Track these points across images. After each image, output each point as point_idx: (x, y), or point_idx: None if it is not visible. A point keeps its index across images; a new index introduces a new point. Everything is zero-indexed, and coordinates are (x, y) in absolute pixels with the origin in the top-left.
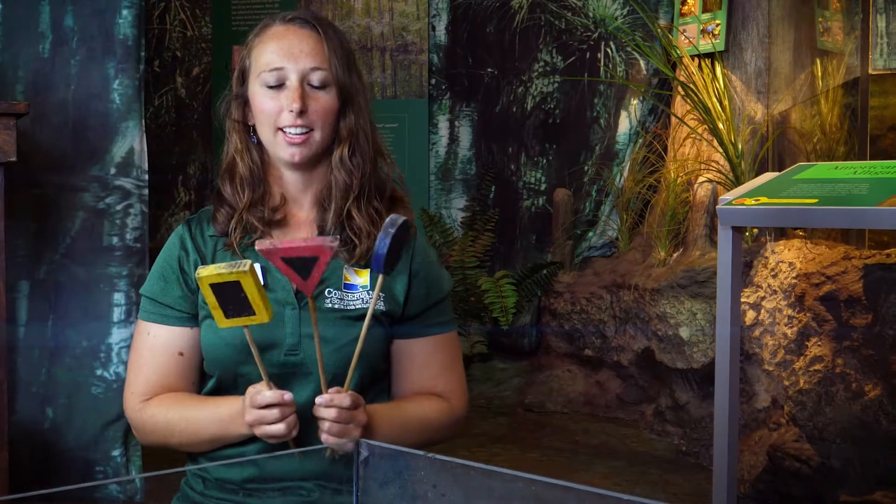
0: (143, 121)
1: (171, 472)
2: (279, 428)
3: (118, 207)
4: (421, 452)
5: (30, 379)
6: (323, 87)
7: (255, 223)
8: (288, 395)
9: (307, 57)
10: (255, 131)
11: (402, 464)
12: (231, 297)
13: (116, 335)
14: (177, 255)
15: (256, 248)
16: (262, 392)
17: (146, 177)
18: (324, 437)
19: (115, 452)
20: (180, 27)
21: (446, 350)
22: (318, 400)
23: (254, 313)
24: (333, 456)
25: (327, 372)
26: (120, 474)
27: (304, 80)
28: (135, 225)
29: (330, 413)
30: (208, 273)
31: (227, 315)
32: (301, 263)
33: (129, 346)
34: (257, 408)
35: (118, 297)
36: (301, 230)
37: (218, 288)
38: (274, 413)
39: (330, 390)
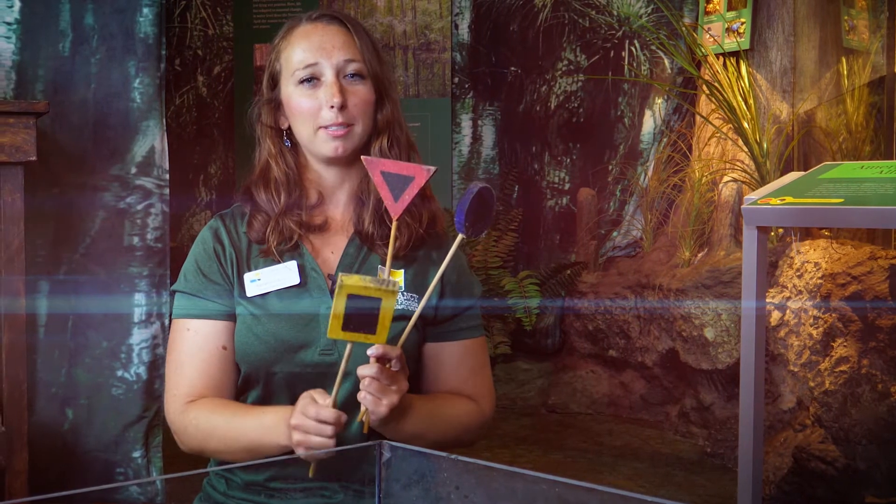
0: (164, 120)
1: (191, 473)
2: (326, 442)
3: (139, 207)
4: (443, 454)
5: (49, 380)
6: (359, 79)
7: (292, 227)
8: (344, 418)
9: (339, 50)
10: (287, 135)
11: (424, 465)
12: (362, 311)
13: (137, 336)
14: (213, 247)
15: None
16: (327, 407)
17: (167, 176)
18: (361, 395)
19: (136, 454)
20: (201, 25)
21: (476, 354)
22: (369, 351)
23: (373, 333)
24: (363, 427)
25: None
26: (140, 476)
27: (339, 74)
28: (155, 225)
29: (372, 369)
30: (353, 283)
31: (345, 327)
32: (397, 181)
33: (149, 347)
34: (313, 419)
35: (139, 298)
36: (338, 233)
37: (355, 299)
38: (328, 429)
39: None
